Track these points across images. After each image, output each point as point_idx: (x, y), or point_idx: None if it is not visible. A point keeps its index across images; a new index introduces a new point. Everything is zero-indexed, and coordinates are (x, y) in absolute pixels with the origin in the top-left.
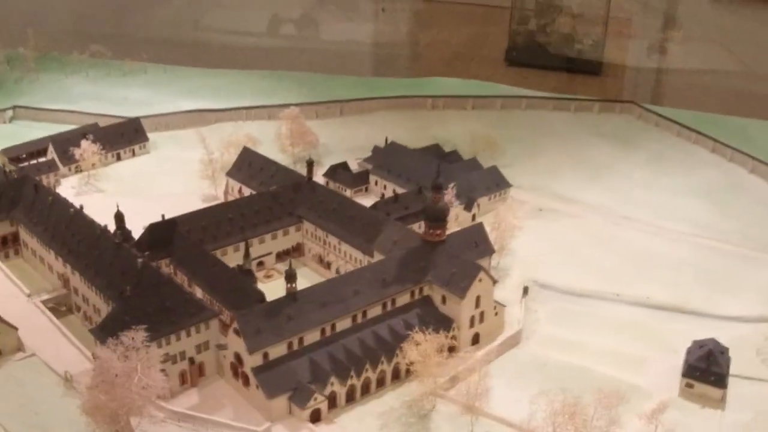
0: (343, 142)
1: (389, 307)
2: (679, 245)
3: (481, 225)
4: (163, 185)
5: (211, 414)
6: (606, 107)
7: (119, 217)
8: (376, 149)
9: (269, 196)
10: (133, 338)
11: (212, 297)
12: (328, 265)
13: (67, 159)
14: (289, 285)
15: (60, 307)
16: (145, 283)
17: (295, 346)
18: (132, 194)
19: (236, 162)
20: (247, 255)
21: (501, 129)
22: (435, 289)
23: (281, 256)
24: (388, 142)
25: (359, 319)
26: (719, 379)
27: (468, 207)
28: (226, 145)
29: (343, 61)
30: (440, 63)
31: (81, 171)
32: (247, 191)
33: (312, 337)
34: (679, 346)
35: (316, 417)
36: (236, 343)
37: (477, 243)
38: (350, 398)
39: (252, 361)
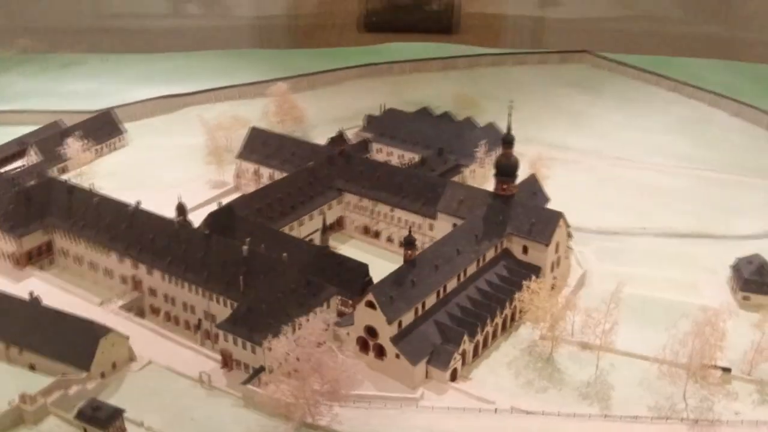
0: (322, 114)
1: (481, 263)
2: (674, 177)
3: (534, 176)
4: (163, 175)
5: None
6: (563, 58)
7: (182, 209)
8: (370, 118)
9: (307, 172)
10: (308, 321)
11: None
12: (376, 235)
13: (52, 160)
14: (409, 252)
15: (129, 311)
16: (255, 270)
17: (420, 311)
18: (136, 188)
19: (246, 143)
20: (324, 231)
21: (472, 87)
22: (514, 241)
23: (326, 231)
24: (384, 108)
25: (461, 278)
26: None
27: (482, 163)
28: (214, 128)
29: (230, 35)
30: (305, 33)
31: (66, 171)
32: (266, 172)
33: (430, 300)
34: (717, 266)
35: (454, 376)
36: (368, 316)
37: (535, 193)
38: (475, 353)
39: (390, 331)
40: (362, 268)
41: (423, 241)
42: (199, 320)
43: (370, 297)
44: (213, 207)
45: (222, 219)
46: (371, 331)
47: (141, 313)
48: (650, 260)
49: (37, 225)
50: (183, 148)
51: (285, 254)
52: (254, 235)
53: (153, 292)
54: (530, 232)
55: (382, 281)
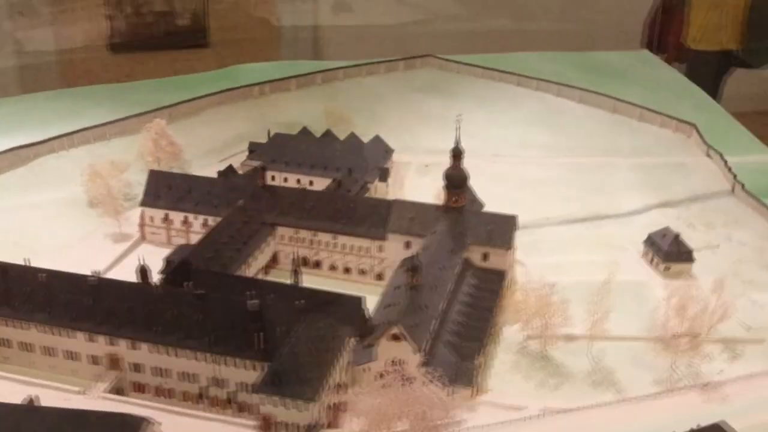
0: (193, 147)
1: (455, 277)
2: (548, 168)
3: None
4: (51, 236)
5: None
6: (408, 64)
7: (144, 272)
8: (254, 145)
9: (241, 212)
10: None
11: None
12: (317, 265)
13: None
14: (414, 278)
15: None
16: (270, 324)
17: (431, 335)
18: (23, 256)
19: (148, 189)
20: (296, 271)
21: (334, 101)
22: (473, 249)
23: (265, 270)
24: (271, 134)
25: (448, 295)
26: (689, 256)
27: (383, 178)
28: (89, 177)
29: None
30: (66, 69)
31: None
32: (177, 216)
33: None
34: (622, 244)
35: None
36: (393, 349)
37: (472, 200)
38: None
39: (417, 360)
40: (356, 302)
41: (372, 264)
42: (205, 388)
43: (396, 330)
44: (129, 263)
45: (179, 275)
46: (397, 363)
47: (120, 393)
48: (566, 248)
49: None
50: (58, 203)
51: (301, 301)
52: (225, 287)
53: (137, 367)
54: (490, 239)
55: (403, 312)
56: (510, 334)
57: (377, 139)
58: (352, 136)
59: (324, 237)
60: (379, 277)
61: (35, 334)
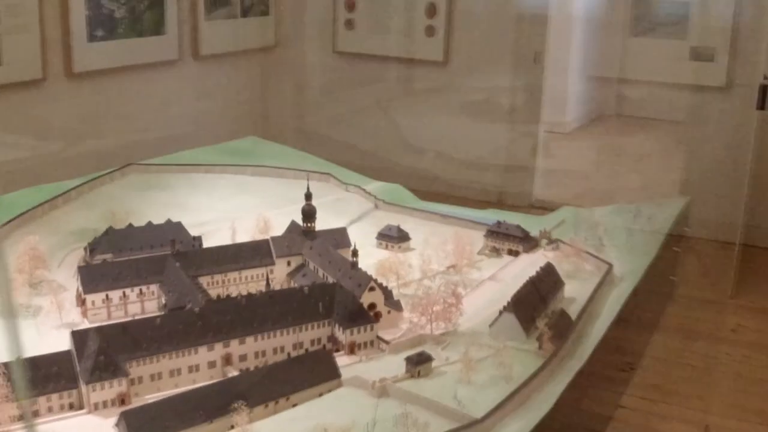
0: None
1: None
2: (278, 218)
3: (294, 222)
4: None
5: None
6: (123, 172)
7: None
8: (94, 243)
9: (177, 270)
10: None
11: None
12: (228, 297)
13: None
14: (355, 257)
15: None
16: (323, 298)
17: None
18: None
19: (83, 280)
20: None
21: (99, 207)
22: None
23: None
24: (109, 230)
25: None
26: (408, 236)
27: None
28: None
29: None
30: None
31: None
32: (115, 295)
33: None
34: (359, 244)
35: None
36: (371, 297)
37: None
38: None
39: (383, 299)
40: (332, 287)
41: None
42: (288, 354)
43: (372, 284)
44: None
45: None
46: (372, 306)
47: None
48: None
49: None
50: None
51: (334, 281)
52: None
53: (244, 357)
54: (337, 245)
55: (367, 275)
56: None
57: (170, 221)
58: (151, 224)
59: (232, 275)
60: None
61: (164, 363)
